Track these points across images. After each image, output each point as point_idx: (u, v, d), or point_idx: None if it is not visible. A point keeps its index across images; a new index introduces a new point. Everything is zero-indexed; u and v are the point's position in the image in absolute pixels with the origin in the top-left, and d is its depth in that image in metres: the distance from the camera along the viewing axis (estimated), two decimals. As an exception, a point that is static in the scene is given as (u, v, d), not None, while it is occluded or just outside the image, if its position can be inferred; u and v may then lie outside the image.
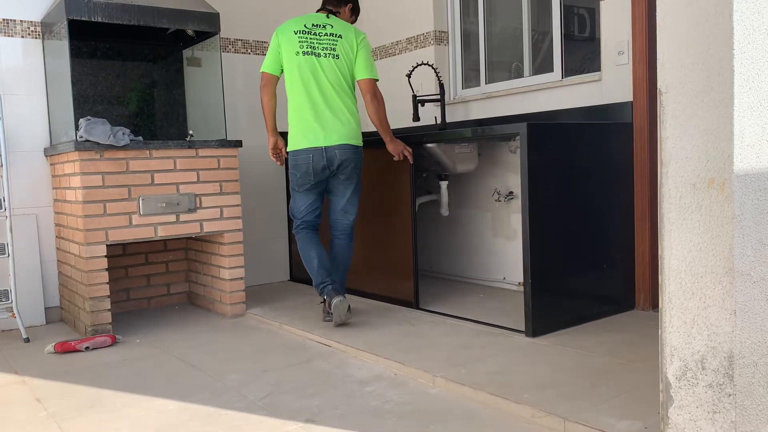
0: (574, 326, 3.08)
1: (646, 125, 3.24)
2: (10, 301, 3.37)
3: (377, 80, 3.31)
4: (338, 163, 3.23)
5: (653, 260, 3.27)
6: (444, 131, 3.39)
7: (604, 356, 2.63)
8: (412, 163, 3.46)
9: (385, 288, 3.77)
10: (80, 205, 3.26)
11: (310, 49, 3.22)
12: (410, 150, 3.42)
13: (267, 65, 3.29)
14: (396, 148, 3.39)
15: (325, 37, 3.24)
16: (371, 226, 3.83)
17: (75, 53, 3.74)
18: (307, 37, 3.23)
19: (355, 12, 3.50)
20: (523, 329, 2.98)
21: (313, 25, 3.25)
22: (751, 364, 1.56)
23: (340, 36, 3.25)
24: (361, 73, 3.27)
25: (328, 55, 3.22)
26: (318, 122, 3.22)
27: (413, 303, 3.58)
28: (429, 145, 3.55)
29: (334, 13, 3.37)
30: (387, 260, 3.74)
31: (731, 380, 1.55)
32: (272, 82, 3.30)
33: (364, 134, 3.50)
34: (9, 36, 3.60)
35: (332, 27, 3.27)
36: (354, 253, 3.53)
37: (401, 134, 3.57)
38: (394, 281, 3.70)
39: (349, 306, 3.26)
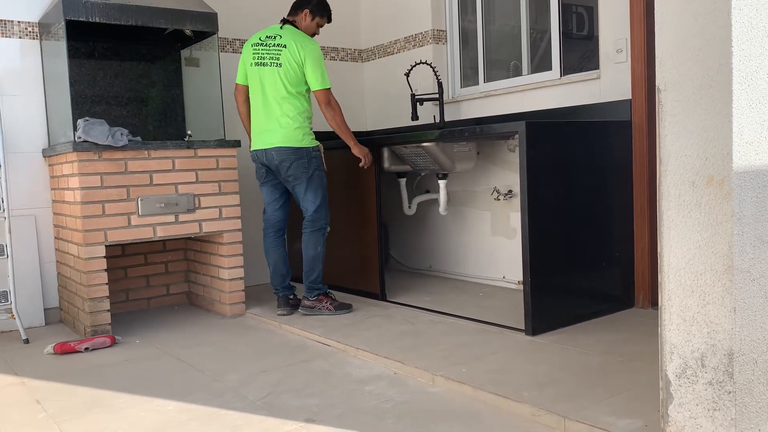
0: (573, 324, 3.08)
1: (644, 123, 3.24)
2: (9, 302, 3.36)
3: (329, 88, 3.44)
4: (276, 163, 3.44)
5: (653, 258, 3.26)
6: (443, 130, 3.39)
7: (604, 354, 2.63)
8: (372, 164, 3.68)
9: (355, 281, 3.97)
10: (79, 206, 3.25)
11: (260, 60, 3.46)
12: (371, 158, 3.64)
13: (237, 76, 3.61)
14: (361, 152, 3.59)
15: (273, 47, 3.44)
16: (342, 225, 3.96)
17: (73, 54, 3.73)
18: (259, 49, 3.47)
19: (316, 13, 3.53)
20: (523, 328, 2.98)
21: (267, 37, 3.48)
22: (751, 361, 1.56)
23: (284, 46, 3.41)
24: (312, 85, 3.42)
25: (273, 63, 3.43)
26: (261, 127, 3.48)
27: (379, 295, 3.80)
28: (427, 144, 3.55)
29: (291, 22, 3.52)
30: (356, 256, 3.94)
31: (731, 378, 1.55)
32: (241, 92, 3.60)
33: (333, 136, 3.64)
34: (7, 37, 3.60)
35: (281, 37, 3.44)
36: (324, 250, 3.60)
37: (399, 133, 3.57)
38: (363, 275, 3.91)
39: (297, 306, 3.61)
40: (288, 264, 3.68)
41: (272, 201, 3.61)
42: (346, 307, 3.56)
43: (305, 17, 3.54)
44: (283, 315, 3.55)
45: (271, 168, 3.49)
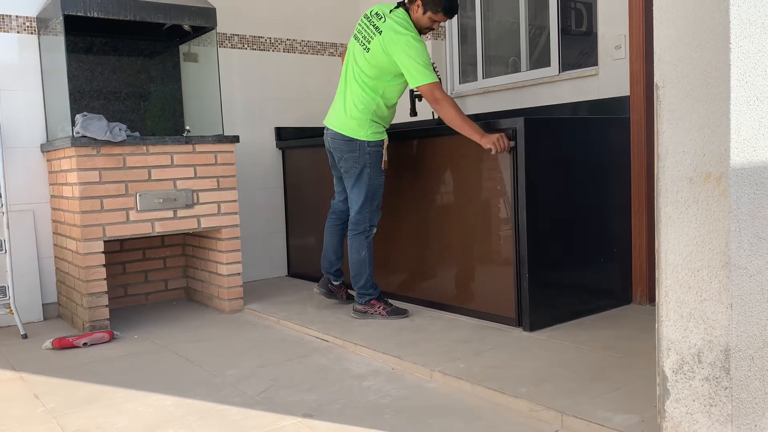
0: (571, 320, 3.09)
1: (643, 119, 3.24)
2: (7, 297, 3.37)
3: (431, 82, 3.02)
4: (329, 148, 3.34)
5: (650, 254, 3.27)
6: (441, 126, 3.38)
7: (601, 350, 2.64)
8: (508, 152, 2.96)
9: (482, 303, 3.20)
10: (77, 201, 3.25)
11: (357, 34, 3.26)
12: (506, 142, 2.90)
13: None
14: (490, 142, 2.92)
15: (372, 28, 3.16)
16: (460, 233, 3.27)
17: (71, 49, 3.73)
18: (363, 23, 3.23)
19: (428, 6, 3.10)
20: (521, 324, 2.99)
21: (375, 14, 3.19)
22: (748, 357, 1.56)
23: (381, 32, 3.11)
24: (410, 83, 3.10)
25: (363, 44, 3.18)
26: (334, 102, 3.35)
27: (515, 321, 3.00)
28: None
29: (405, 7, 3.18)
30: (477, 271, 3.22)
31: (728, 373, 1.55)
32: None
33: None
34: (4, 31, 3.59)
35: (383, 21, 3.13)
36: (371, 254, 3.31)
37: (398, 129, 3.56)
38: (488, 294, 3.17)
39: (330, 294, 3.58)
40: (340, 254, 3.52)
41: (338, 192, 3.50)
42: (400, 312, 3.30)
43: (417, 8, 3.14)
44: (318, 293, 3.58)
45: (327, 147, 3.35)
